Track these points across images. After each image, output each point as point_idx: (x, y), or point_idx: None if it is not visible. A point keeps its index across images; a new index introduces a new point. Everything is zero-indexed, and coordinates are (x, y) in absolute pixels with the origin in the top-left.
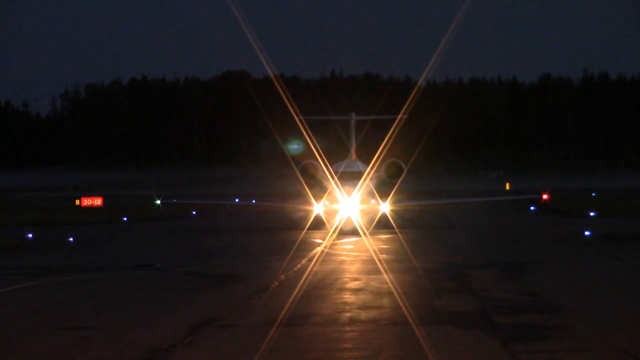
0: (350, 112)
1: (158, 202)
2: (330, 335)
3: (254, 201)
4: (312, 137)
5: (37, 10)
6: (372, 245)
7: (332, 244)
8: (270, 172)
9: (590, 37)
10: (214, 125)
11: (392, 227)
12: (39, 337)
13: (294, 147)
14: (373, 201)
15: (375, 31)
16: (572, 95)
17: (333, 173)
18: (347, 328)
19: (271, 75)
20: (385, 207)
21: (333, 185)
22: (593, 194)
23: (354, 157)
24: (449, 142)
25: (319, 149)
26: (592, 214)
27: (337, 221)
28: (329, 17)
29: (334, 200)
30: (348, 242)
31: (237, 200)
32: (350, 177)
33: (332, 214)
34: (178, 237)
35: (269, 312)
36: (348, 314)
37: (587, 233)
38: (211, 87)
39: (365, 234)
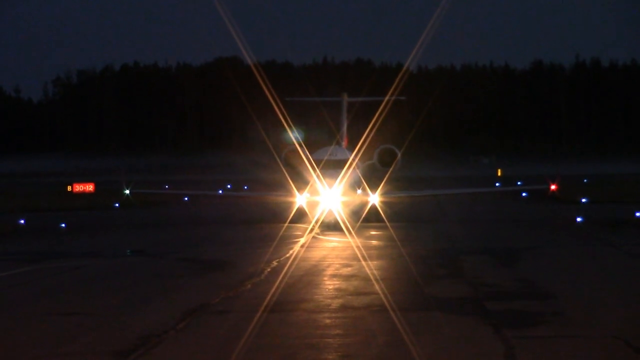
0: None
1: (127, 192)
2: (322, 322)
3: (245, 187)
4: (301, 123)
5: None
6: (357, 242)
7: (312, 241)
8: (260, 159)
9: (582, 23)
10: (206, 111)
11: (382, 220)
12: (32, 323)
13: (295, 135)
14: (359, 191)
15: (367, 17)
16: (564, 81)
17: (314, 161)
18: (339, 314)
19: (249, 62)
20: (375, 198)
21: (313, 175)
22: (585, 180)
23: (344, 143)
24: (441, 128)
25: (297, 135)
26: (584, 200)
27: (318, 215)
28: (321, 1)
29: (315, 191)
30: (329, 239)
31: (229, 186)
32: (332, 166)
33: (315, 206)
34: (168, 224)
35: (261, 298)
36: (340, 300)
37: (579, 219)
38: (203, 73)
39: (348, 229)
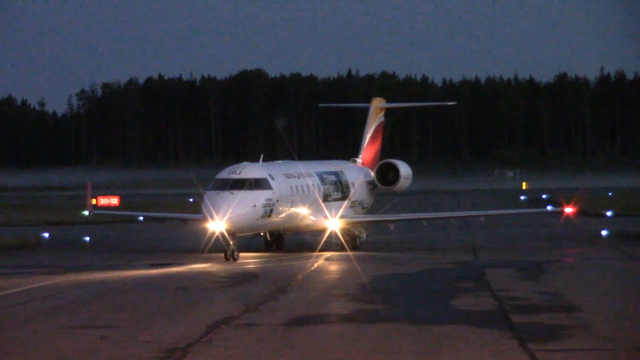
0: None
1: (86, 212)
2: (348, 335)
3: None
4: (331, 133)
5: (53, 10)
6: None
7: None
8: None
9: (606, 36)
10: (230, 124)
11: (343, 249)
12: (57, 336)
13: None
14: (314, 216)
15: (391, 30)
16: (588, 94)
17: (217, 181)
18: (365, 327)
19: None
20: (335, 224)
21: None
22: (610, 193)
23: (362, 155)
24: (465, 141)
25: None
26: (609, 213)
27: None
28: (346, 16)
29: (208, 216)
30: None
31: None
32: (228, 187)
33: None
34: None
35: (285, 311)
36: (365, 313)
37: (604, 232)
38: (227, 86)
39: (233, 257)
